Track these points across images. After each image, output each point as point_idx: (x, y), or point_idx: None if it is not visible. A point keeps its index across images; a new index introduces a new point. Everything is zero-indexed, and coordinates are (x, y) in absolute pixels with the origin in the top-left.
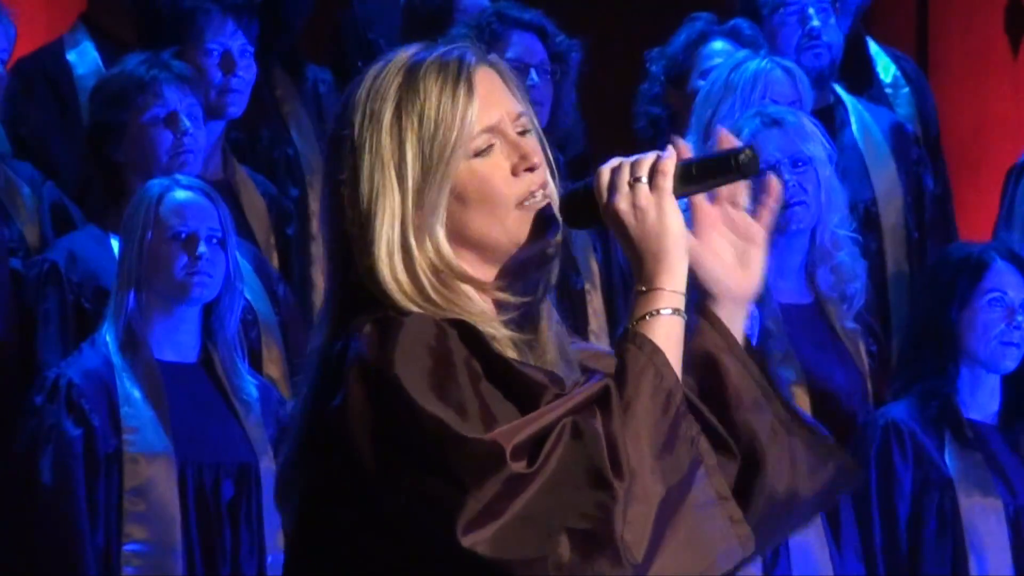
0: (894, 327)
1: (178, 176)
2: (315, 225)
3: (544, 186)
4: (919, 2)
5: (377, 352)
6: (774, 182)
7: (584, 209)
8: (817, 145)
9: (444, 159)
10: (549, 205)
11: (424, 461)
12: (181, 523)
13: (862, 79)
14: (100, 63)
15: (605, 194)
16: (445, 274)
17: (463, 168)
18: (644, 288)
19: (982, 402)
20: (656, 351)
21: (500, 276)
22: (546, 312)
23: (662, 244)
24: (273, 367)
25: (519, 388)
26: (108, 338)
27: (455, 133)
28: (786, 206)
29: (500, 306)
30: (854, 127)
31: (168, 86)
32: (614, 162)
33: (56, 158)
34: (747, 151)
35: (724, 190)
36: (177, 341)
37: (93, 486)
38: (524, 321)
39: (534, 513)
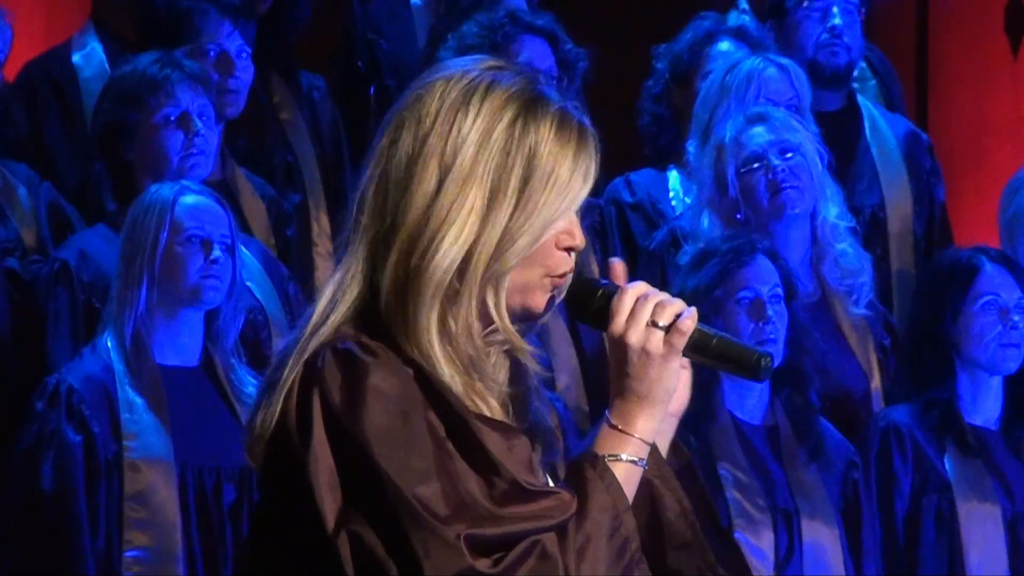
0: (897, 331)
1: (185, 181)
2: (316, 231)
3: (571, 273)
4: (919, 2)
5: (342, 399)
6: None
7: (594, 314)
8: (804, 138)
9: (544, 222)
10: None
11: (388, 537)
12: (182, 529)
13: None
14: (106, 65)
15: (622, 322)
16: (487, 327)
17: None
18: (619, 426)
19: (984, 407)
20: (621, 495)
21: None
22: (525, 367)
23: (653, 393)
24: None
25: (478, 458)
26: (109, 343)
27: (565, 202)
28: (779, 190)
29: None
30: (868, 133)
31: (181, 86)
32: (640, 289)
33: (58, 161)
34: (767, 359)
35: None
36: (179, 345)
37: (93, 492)
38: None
39: None
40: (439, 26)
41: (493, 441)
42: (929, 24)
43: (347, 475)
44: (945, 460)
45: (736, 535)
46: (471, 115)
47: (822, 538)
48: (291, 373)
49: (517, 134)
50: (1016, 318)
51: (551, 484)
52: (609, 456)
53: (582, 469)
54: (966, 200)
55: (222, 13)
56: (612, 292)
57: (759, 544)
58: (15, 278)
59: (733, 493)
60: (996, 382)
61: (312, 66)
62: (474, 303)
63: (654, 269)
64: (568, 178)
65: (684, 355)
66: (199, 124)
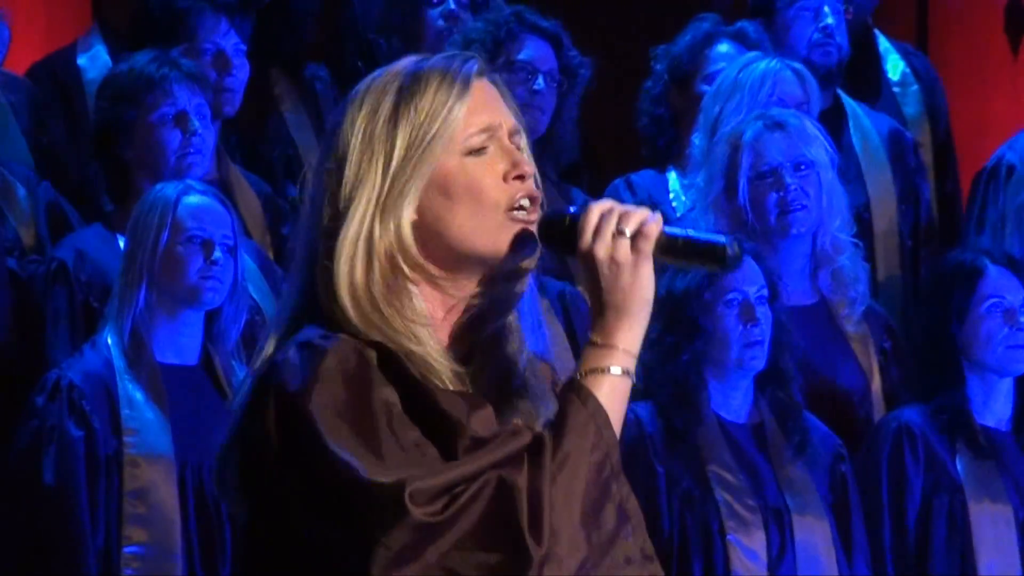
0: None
1: (190, 180)
2: None
3: (534, 200)
4: (919, 2)
5: (296, 383)
6: None
7: (563, 238)
8: (819, 149)
9: (423, 144)
10: (532, 225)
11: (334, 507)
12: (181, 525)
13: (869, 77)
14: (110, 67)
15: (588, 237)
16: (399, 263)
17: (454, 163)
18: (599, 341)
19: (995, 408)
20: (599, 409)
21: (468, 283)
22: (511, 332)
23: (628, 302)
24: None
25: (437, 423)
26: (110, 340)
27: (439, 122)
28: (788, 210)
29: (456, 319)
30: (852, 131)
31: (178, 85)
32: (605, 205)
33: (62, 163)
34: (735, 246)
35: None
36: (179, 344)
37: (94, 488)
38: (482, 340)
39: (447, 565)
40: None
41: (455, 407)
42: (929, 24)
43: (300, 457)
44: (957, 461)
45: (728, 537)
46: (365, 103)
47: (814, 534)
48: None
49: (402, 97)
50: (1023, 319)
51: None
52: (591, 371)
53: (563, 392)
54: (966, 200)
55: (218, 11)
56: (578, 216)
57: (751, 545)
58: (14, 278)
59: (723, 495)
60: (1006, 383)
61: (314, 56)
62: (407, 255)
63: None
64: (445, 103)
65: (655, 258)
66: (196, 123)
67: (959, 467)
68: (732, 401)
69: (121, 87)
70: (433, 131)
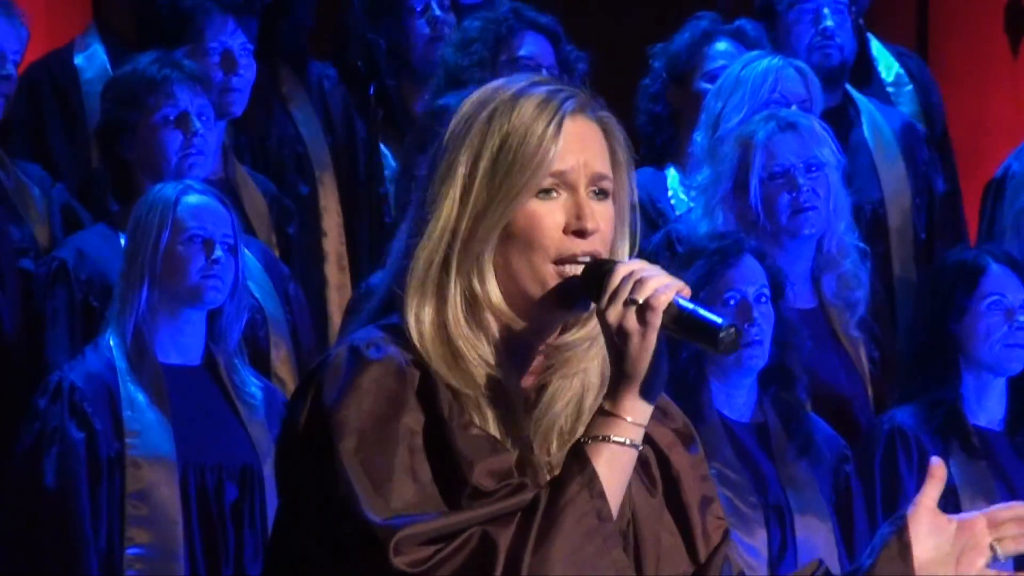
0: (900, 329)
1: (190, 180)
2: (327, 222)
3: (591, 251)
4: (919, 2)
5: (333, 389)
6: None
7: (591, 290)
8: (828, 150)
9: (511, 194)
10: (573, 279)
11: (330, 524)
12: (183, 526)
13: (863, 78)
14: (108, 67)
15: (605, 300)
16: (476, 307)
17: (526, 205)
18: (607, 408)
19: (988, 408)
20: (594, 479)
21: (535, 325)
22: (579, 367)
23: (637, 372)
24: (282, 367)
25: (447, 464)
26: (112, 341)
27: (529, 171)
28: (800, 211)
29: (525, 357)
30: (864, 127)
31: (180, 86)
32: (632, 266)
33: (59, 162)
34: (731, 331)
35: (1010, 533)
36: (181, 344)
37: (95, 489)
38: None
39: None
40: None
41: (470, 451)
42: (929, 24)
43: (316, 464)
44: (950, 463)
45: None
46: (465, 116)
47: (815, 533)
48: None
49: (495, 120)
50: (1022, 318)
51: None
52: (594, 438)
53: (566, 456)
54: (966, 200)
55: (224, 11)
56: (613, 264)
57: (752, 542)
58: (29, 279)
59: (724, 491)
60: (1000, 383)
61: (320, 55)
62: (459, 291)
63: None
64: (537, 142)
65: (664, 329)
66: (198, 124)
67: (952, 468)
68: (736, 400)
69: (123, 88)
70: (523, 178)
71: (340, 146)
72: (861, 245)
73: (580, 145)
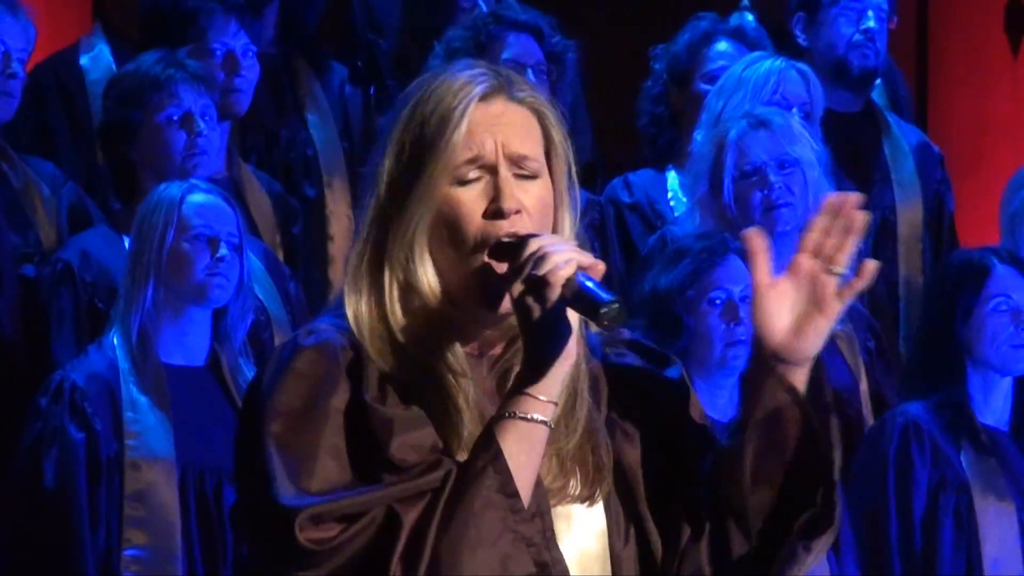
0: (902, 336)
1: (194, 179)
2: (333, 225)
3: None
4: (919, 2)
5: (268, 377)
6: (869, 268)
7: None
8: (805, 146)
9: (427, 181)
10: (490, 266)
11: (252, 506)
12: (182, 528)
13: None
14: (114, 68)
15: (511, 275)
16: (412, 294)
17: (445, 193)
18: (515, 385)
19: (994, 408)
20: (499, 455)
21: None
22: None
23: (539, 347)
24: None
25: (365, 439)
26: (116, 341)
27: (439, 156)
28: (772, 207)
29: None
30: (884, 137)
31: (184, 86)
32: (542, 241)
33: (64, 163)
34: (613, 307)
35: (830, 249)
36: (186, 344)
37: (94, 490)
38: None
39: None
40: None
41: (386, 427)
42: (929, 24)
43: (245, 445)
44: (962, 458)
45: None
46: (396, 107)
47: None
48: None
49: (418, 107)
50: None
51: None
52: (503, 416)
53: (479, 435)
54: (966, 200)
55: (228, 12)
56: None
57: None
58: (29, 285)
59: None
60: (1006, 383)
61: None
62: (394, 279)
63: (646, 274)
64: (443, 127)
65: (564, 305)
66: (201, 124)
67: (964, 464)
68: (718, 400)
69: (127, 88)
70: (431, 159)
71: (357, 151)
72: None
73: (495, 127)
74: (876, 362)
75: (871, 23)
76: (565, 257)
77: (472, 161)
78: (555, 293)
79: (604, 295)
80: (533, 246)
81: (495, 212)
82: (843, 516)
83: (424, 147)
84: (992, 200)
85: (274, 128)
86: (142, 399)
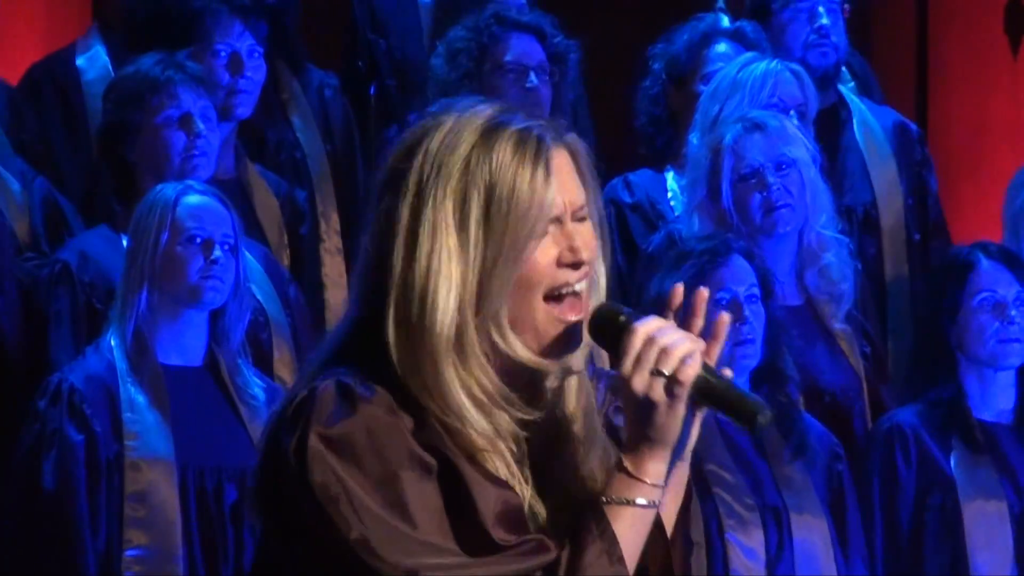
0: (890, 330)
1: (191, 181)
2: (323, 227)
3: (584, 278)
4: (919, 2)
5: (333, 423)
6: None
7: (610, 344)
8: (800, 147)
9: (517, 248)
10: (579, 324)
11: (340, 564)
12: (182, 528)
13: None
14: (110, 68)
15: (629, 365)
16: (498, 364)
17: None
18: (629, 470)
19: (995, 401)
20: (614, 543)
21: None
22: (571, 387)
23: (660, 440)
24: (284, 369)
25: (461, 512)
26: (113, 342)
27: (530, 223)
28: (772, 209)
29: (515, 381)
30: (856, 128)
31: (183, 87)
32: (651, 328)
33: (61, 164)
34: (766, 415)
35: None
36: (183, 345)
37: (94, 491)
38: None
39: None
40: (440, 26)
41: (484, 499)
42: (929, 24)
43: (315, 502)
44: (951, 458)
45: (727, 536)
46: (436, 159)
47: (812, 533)
48: (291, 403)
49: (473, 165)
50: (1013, 313)
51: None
52: (615, 501)
53: (585, 518)
54: (966, 200)
55: (233, 13)
56: (630, 323)
57: (749, 543)
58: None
59: (721, 493)
60: (1008, 376)
61: (324, 63)
62: (478, 349)
63: (651, 272)
64: (530, 192)
65: (690, 400)
66: (201, 125)
67: (953, 463)
68: None
69: (126, 89)
70: (527, 227)
71: (339, 156)
72: (841, 237)
73: (563, 182)
74: (871, 366)
75: (823, 20)
76: (688, 349)
77: (553, 221)
78: (686, 391)
79: (750, 400)
80: (644, 333)
81: (573, 263)
82: (852, 516)
83: (505, 212)
84: (992, 200)
85: (262, 130)
86: (140, 399)
